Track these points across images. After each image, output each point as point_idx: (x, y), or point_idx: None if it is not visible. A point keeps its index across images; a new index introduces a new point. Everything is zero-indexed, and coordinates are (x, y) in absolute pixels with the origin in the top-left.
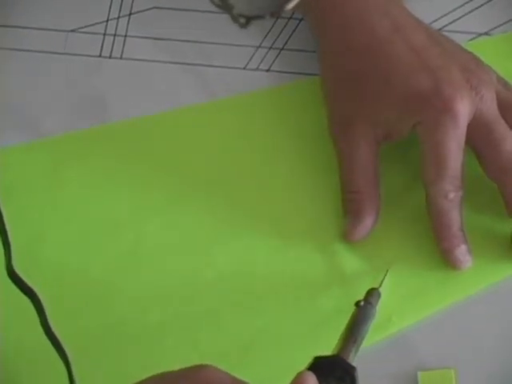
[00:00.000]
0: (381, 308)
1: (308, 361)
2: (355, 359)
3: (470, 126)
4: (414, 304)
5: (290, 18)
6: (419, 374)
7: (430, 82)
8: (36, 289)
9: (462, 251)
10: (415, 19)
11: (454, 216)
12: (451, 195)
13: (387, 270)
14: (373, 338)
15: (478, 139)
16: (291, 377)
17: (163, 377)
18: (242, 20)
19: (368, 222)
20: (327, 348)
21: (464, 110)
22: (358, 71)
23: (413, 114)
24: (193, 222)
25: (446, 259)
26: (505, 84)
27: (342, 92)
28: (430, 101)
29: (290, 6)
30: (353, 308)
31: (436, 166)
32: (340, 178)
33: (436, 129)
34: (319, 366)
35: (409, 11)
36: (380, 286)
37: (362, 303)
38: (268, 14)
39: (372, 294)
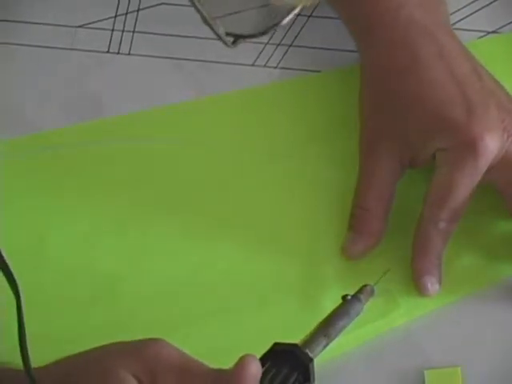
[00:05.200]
0: (389, 299)
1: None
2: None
3: (495, 165)
4: (422, 297)
5: (299, 14)
6: (426, 372)
7: (464, 114)
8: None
9: (431, 279)
10: (463, 48)
11: (437, 244)
12: (442, 225)
13: (388, 269)
14: (381, 328)
15: (502, 179)
16: None
17: (110, 348)
18: (230, 39)
19: (369, 242)
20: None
21: (489, 151)
22: (395, 91)
23: (439, 141)
24: (194, 219)
25: (414, 279)
26: None
27: (377, 109)
28: (459, 133)
29: (285, 22)
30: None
31: (440, 193)
32: (355, 192)
33: (455, 161)
34: (276, 352)
35: (457, 38)
36: (376, 283)
37: (349, 297)
38: (259, 32)
39: (364, 290)
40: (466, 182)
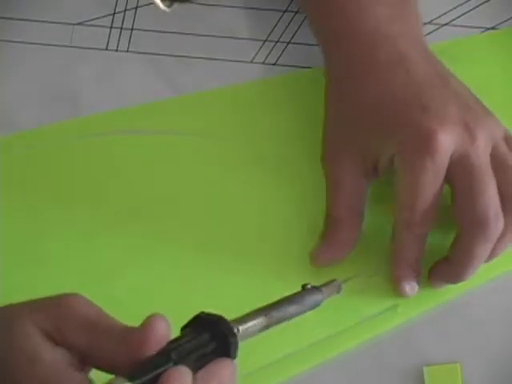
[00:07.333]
0: (387, 299)
1: None
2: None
3: (452, 164)
4: (420, 295)
5: (297, 12)
6: (425, 368)
7: (418, 113)
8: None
9: (410, 283)
10: (426, 54)
11: (414, 249)
12: (415, 229)
13: (359, 274)
14: (379, 328)
15: (458, 180)
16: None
17: (22, 304)
18: (166, 3)
19: (338, 253)
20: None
21: (444, 146)
22: (354, 97)
23: (394, 142)
24: (188, 214)
25: (395, 284)
26: (510, 144)
27: (338, 117)
28: (414, 131)
29: None
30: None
31: (406, 196)
32: (326, 201)
33: (413, 160)
34: (200, 320)
35: (422, 45)
36: (345, 281)
37: (309, 286)
38: None
39: (330, 284)
40: (427, 180)
